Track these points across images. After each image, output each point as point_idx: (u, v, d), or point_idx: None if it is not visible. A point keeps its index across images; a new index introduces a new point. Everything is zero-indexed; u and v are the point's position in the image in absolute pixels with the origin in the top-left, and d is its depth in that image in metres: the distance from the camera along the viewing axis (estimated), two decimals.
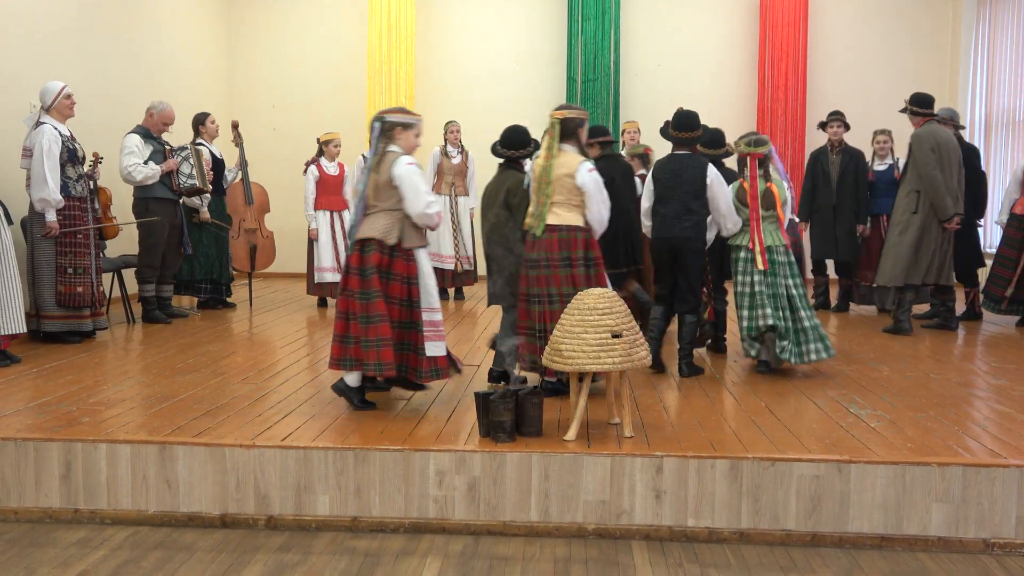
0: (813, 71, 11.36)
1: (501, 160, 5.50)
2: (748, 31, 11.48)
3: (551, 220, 4.96)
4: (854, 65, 11.37)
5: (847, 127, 8.68)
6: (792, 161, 11.26)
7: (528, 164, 5.46)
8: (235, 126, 9.06)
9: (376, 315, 4.62)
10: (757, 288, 5.76)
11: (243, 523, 4.17)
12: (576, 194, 4.97)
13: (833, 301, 9.05)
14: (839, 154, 8.63)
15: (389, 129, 4.76)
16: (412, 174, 4.66)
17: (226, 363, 6.12)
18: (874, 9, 11.37)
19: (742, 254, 5.84)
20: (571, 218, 4.98)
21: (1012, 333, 7.53)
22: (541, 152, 5.15)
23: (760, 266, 5.73)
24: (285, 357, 6.46)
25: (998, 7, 10.55)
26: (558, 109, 5.13)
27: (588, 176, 4.96)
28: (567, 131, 5.08)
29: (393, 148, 4.76)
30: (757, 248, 5.76)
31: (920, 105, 7.41)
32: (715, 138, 6.59)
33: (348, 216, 8.93)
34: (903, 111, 7.56)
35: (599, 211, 5.01)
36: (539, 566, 3.76)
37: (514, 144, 5.42)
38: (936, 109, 7.58)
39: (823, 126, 8.75)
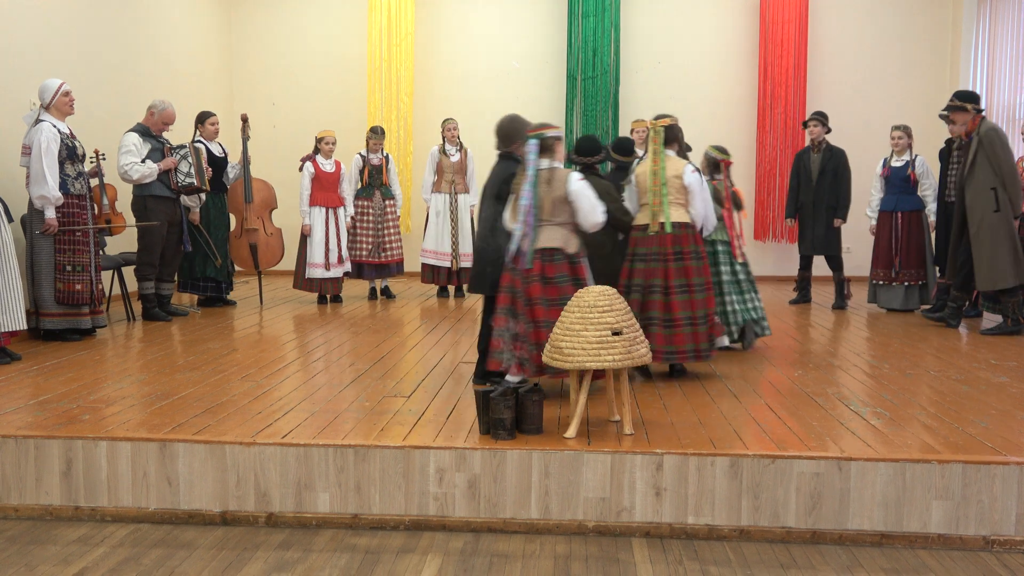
0: (813, 68, 11.36)
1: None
2: (748, 28, 11.48)
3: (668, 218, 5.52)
4: (854, 62, 11.37)
5: (827, 127, 9.01)
6: (792, 158, 11.26)
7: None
8: (244, 119, 9.02)
9: (547, 322, 4.73)
10: (737, 277, 6.45)
11: (243, 520, 4.17)
12: (683, 193, 5.57)
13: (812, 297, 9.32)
14: (820, 152, 8.96)
15: (550, 145, 4.92)
16: (585, 189, 4.88)
17: (226, 361, 6.12)
18: (874, 6, 11.36)
19: (719, 247, 6.37)
20: (680, 215, 5.55)
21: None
22: (648, 158, 5.62)
23: (740, 258, 6.40)
24: (285, 354, 6.46)
25: (998, 3, 10.54)
26: (658, 118, 5.63)
27: (693, 176, 5.58)
28: (670, 137, 5.67)
29: (556, 164, 4.94)
30: (738, 241, 6.43)
31: (977, 102, 7.38)
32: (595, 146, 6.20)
33: (343, 213, 8.95)
34: (952, 108, 7.46)
35: (704, 208, 5.62)
36: (539, 563, 3.76)
37: (588, 152, 5.82)
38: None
39: (805, 125, 9.13)
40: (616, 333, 4.28)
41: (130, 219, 7.96)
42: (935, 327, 7.71)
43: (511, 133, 5.30)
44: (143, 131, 7.71)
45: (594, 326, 4.28)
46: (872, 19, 11.35)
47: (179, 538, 4.02)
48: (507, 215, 5.04)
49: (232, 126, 9.97)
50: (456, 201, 9.42)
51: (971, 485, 3.96)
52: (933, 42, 11.30)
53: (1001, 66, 10.44)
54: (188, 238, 8.08)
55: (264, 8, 11.76)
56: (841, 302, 8.93)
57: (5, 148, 6.98)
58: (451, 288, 9.71)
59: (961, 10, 11.01)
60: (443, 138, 9.62)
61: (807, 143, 9.16)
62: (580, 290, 4.48)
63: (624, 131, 11.22)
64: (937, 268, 8.58)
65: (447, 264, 9.35)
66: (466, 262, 9.51)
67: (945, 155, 8.46)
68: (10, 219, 6.19)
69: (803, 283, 9.29)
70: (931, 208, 8.33)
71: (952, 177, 8.29)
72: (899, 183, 8.42)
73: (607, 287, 4.45)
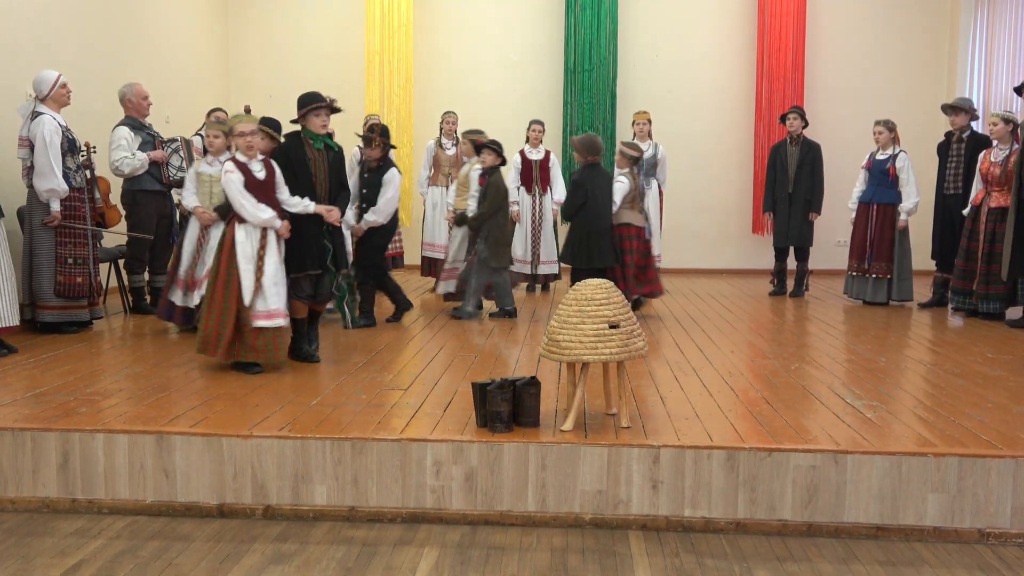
0: (811, 61, 11.35)
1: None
2: (746, 20, 11.46)
3: None
4: (852, 57, 11.37)
5: (805, 122, 9.21)
6: None
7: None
8: (247, 111, 8.97)
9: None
10: None
11: (240, 513, 4.18)
12: None
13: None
14: (797, 146, 9.14)
15: None
16: None
17: None
18: (872, 1, 11.35)
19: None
20: None
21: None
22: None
23: None
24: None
25: None
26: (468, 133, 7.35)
27: None
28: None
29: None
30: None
31: None
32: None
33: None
34: None
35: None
36: (536, 556, 3.77)
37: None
38: (947, 100, 7.59)
39: (783, 119, 9.32)
40: (613, 326, 4.28)
41: (121, 212, 7.93)
42: (931, 321, 7.73)
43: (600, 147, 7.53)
44: (132, 124, 7.59)
45: (591, 319, 4.28)
46: (870, 14, 11.34)
47: (176, 530, 4.02)
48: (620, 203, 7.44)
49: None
50: (453, 195, 9.39)
51: (967, 478, 3.97)
52: (931, 37, 11.29)
53: (999, 61, 10.43)
54: (177, 232, 8.03)
55: (261, 0, 11.72)
56: (798, 291, 9.28)
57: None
58: None
59: (959, 5, 11.00)
60: (440, 131, 9.60)
61: (786, 137, 9.29)
62: (577, 283, 4.49)
63: (622, 123, 11.23)
64: (935, 263, 8.60)
65: (442, 256, 9.33)
66: None
67: (944, 149, 8.47)
68: (1, 214, 6.15)
69: (780, 275, 9.49)
70: (904, 206, 8.33)
71: (951, 170, 8.30)
72: (879, 176, 8.45)
73: (604, 280, 4.46)
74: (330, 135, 6.16)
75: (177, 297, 6.72)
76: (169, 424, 4.35)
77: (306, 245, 5.74)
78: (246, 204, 5.42)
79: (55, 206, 6.51)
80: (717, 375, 5.56)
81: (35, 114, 6.52)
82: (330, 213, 5.79)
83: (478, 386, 4.33)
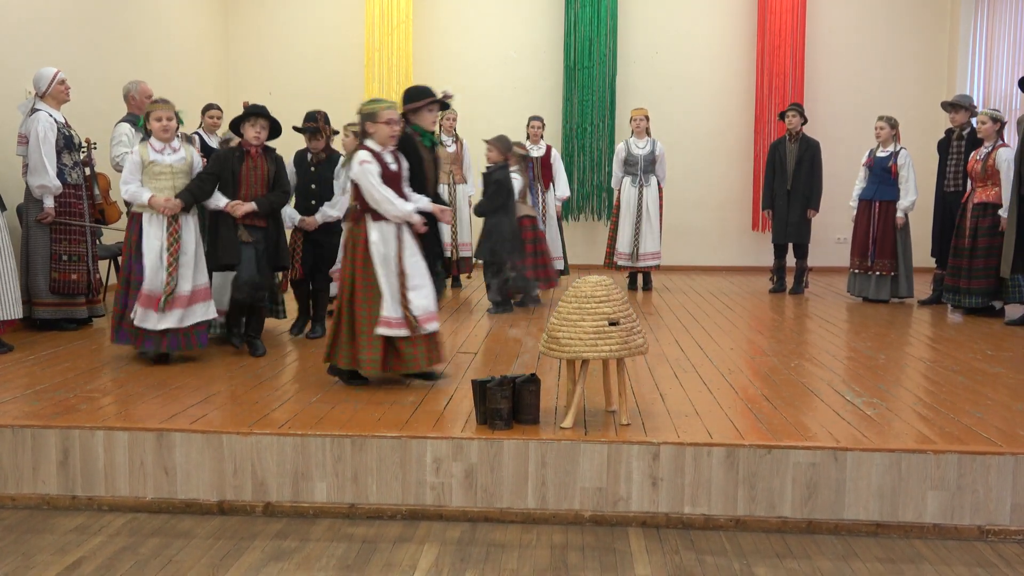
0: (811, 57, 11.35)
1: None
2: (746, 17, 11.45)
3: None
4: (852, 53, 11.36)
5: (804, 118, 9.22)
6: None
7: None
8: (246, 107, 8.93)
9: None
10: None
11: (240, 510, 4.18)
12: None
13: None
14: (796, 143, 9.16)
15: None
16: None
17: (223, 350, 6.11)
18: None
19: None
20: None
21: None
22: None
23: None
24: (283, 343, 6.45)
25: None
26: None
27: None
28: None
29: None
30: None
31: None
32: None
33: None
34: None
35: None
36: (536, 553, 3.77)
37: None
38: (947, 98, 7.59)
39: (782, 116, 9.32)
40: (613, 323, 4.28)
41: (122, 209, 7.91)
42: (930, 318, 7.74)
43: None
44: (133, 120, 7.58)
45: (591, 316, 4.28)
46: (870, 10, 11.33)
47: (176, 527, 4.02)
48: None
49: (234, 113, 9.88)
50: (455, 191, 9.39)
51: (966, 475, 3.98)
52: (931, 33, 11.29)
53: (999, 57, 10.43)
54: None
55: None
56: (798, 288, 9.30)
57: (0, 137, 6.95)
58: (448, 279, 9.68)
59: (959, 5, 10.99)
60: (439, 128, 9.59)
61: (785, 133, 9.28)
62: (577, 280, 4.49)
63: (621, 120, 11.23)
64: (935, 260, 8.60)
65: (446, 253, 9.32)
66: (465, 252, 9.49)
67: (944, 146, 8.47)
68: (3, 208, 6.16)
69: (779, 272, 9.51)
70: (901, 204, 8.34)
71: (951, 168, 8.31)
72: (880, 173, 8.47)
73: (604, 277, 4.45)
74: (434, 133, 6.15)
75: (150, 320, 5.49)
76: (169, 421, 4.35)
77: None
78: (389, 197, 4.85)
79: (48, 202, 6.51)
80: (717, 372, 5.56)
81: (33, 111, 6.53)
82: (443, 214, 5.25)
83: (478, 383, 4.33)
